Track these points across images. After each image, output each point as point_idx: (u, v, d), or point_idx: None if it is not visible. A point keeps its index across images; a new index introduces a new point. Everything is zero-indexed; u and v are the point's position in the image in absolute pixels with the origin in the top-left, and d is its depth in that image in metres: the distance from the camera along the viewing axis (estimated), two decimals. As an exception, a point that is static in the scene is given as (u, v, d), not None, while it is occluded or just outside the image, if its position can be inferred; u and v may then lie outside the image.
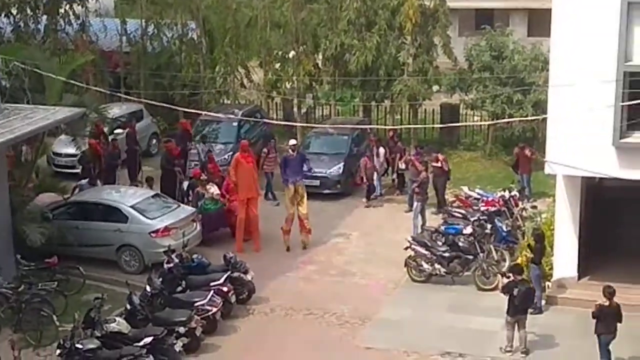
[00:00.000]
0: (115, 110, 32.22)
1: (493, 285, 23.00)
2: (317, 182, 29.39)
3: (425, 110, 34.97)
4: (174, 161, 29.23)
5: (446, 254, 23.71)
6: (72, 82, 27.01)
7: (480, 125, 32.91)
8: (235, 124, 32.37)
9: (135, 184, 29.95)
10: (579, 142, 21.37)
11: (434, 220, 27.23)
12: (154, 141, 33.44)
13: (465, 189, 27.68)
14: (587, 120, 20.97)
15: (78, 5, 35.80)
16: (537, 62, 31.14)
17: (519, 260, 22.66)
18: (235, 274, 22.70)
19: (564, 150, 21.72)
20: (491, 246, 23.91)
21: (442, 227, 25.09)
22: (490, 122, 31.87)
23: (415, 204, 27.15)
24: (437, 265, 23.66)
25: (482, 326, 21.52)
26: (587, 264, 23.01)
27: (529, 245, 22.98)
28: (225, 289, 22.04)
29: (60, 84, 26.41)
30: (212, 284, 21.98)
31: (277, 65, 35.63)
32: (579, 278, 22.90)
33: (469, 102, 33.37)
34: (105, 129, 30.98)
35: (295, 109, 35.89)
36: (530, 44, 33.63)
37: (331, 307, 22.84)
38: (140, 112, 33.48)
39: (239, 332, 21.80)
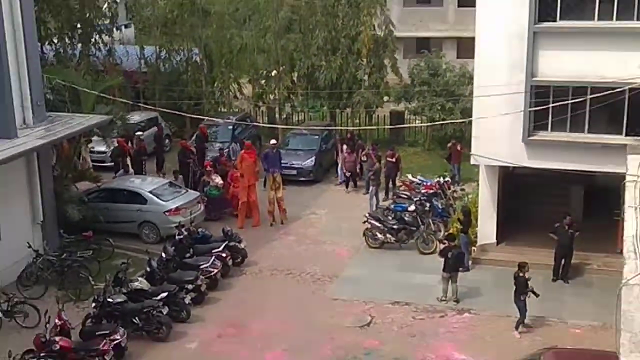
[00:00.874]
0: (136, 117, 32.23)
1: (431, 250, 23.23)
2: (294, 172, 29.48)
3: (378, 116, 35.06)
4: (189, 156, 29.11)
5: (395, 226, 23.92)
6: (103, 95, 26.88)
7: (421, 126, 33.00)
8: (230, 127, 32.49)
9: (160, 174, 29.85)
10: (496, 139, 21.59)
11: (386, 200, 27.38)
12: (167, 140, 33.26)
13: (410, 176, 27.79)
14: (502, 123, 21.13)
15: (106, 35, 35.64)
16: (464, 78, 31.24)
17: (451, 231, 22.85)
18: (232, 243, 22.92)
19: (485, 146, 21.91)
20: (430, 220, 24.13)
21: (392, 206, 25.36)
22: (428, 125, 31.98)
23: (371, 188, 27.38)
24: (388, 235, 23.85)
25: (423, 281, 21.69)
26: (503, 232, 23.28)
27: (458, 219, 23.26)
28: (224, 254, 22.27)
29: (93, 97, 26.29)
30: (213, 251, 22.18)
31: (263, 82, 35.62)
32: (497, 243, 23.18)
33: (412, 109, 33.39)
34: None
35: (277, 115, 35.91)
36: (459, 64, 33.61)
37: (306, 268, 22.99)
38: (156, 119, 33.43)
39: (235, 288, 21.94)
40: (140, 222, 24.84)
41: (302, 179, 29.71)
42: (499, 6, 20.82)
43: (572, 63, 20.45)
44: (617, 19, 20.10)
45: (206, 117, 31.92)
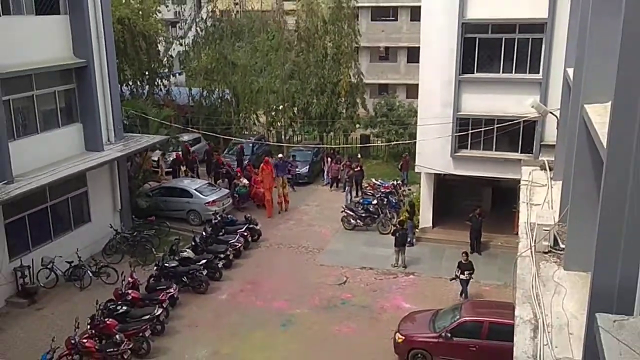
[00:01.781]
0: (185, 137, 32.02)
1: (388, 232, 23.12)
2: (290, 176, 29.31)
3: (352, 137, 35.05)
4: (222, 166, 28.73)
5: (363, 215, 23.90)
6: (163, 122, 26.79)
7: (381, 145, 33.00)
8: (250, 145, 32.33)
9: (210, 177, 29.23)
10: (433, 155, 21.63)
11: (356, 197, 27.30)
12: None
13: (373, 179, 27.72)
14: (437, 143, 21.19)
15: (165, 79, 35.55)
16: (411, 112, 31.10)
17: (402, 218, 22.87)
18: (251, 226, 22.82)
19: (425, 159, 21.98)
20: (387, 210, 24.06)
21: (361, 200, 25.25)
22: (386, 144, 31.98)
23: (346, 188, 27.27)
24: (358, 221, 23.83)
25: (382, 253, 21.63)
26: (437, 219, 23.24)
27: (407, 210, 23.32)
28: (245, 233, 22.25)
29: (157, 123, 26.24)
30: (238, 231, 22.15)
31: (273, 113, 35.49)
32: (433, 227, 23.15)
33: (375, 133, 33.29)
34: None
35: (283, 136, 35.86)
36: (408, 102, 33.62)
37: (302, 243, 22.91)
38: (199, 138, 33.28)
39: (252, 257, 21.87)
40: (188, 210, 24.64)
41: (300, 181, 29.65)
42: (435, 62, 20.86)
43: (484, 102, 20.51)
44: (515, 72, 20.26)
45: (234, 138, 31.86)
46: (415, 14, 37.78)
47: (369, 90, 40.47)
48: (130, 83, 33.06)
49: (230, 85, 35.17)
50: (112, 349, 14.62)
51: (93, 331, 15.21)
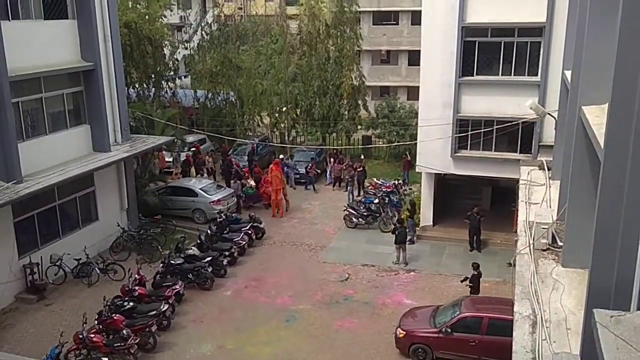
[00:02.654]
0: (190, 138, 31.98)
1: (389, 230, 23.08)
2: (297, 176, 29.27)
3: (354, 138, 35.09)
4: (231, 166, 28.55)
5: (365, 213, 23.91)
6: (169, 123, 26.82)
7: (382, 146, 33.03)
8: (255, 145, 32.34)
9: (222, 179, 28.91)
10: (433, 155, 21.64)
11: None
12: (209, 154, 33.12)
13: (375, 179, 27.74)
14: (437, 144, 21.21)
15: (171, 82, 35.60)
16: (412, 113, 31.16)
17: (402, 216, 22.85)
18: (255, 224, 22.80)
19: (426, 160, 21.98)
20: (388, 209, 24.09)
21: (363, 199, 25.27)
22: (387, 145, 32.01)
23: (349, 187, 27.26)
24: (360, 219, 23.85)
25: (383, 251, 21.65)
26: (437, 218, 23.25)
27: (407, 208, 23.28)
28: (249, 231, 22.23)
29: (162, 124, 26.24)
30: (243, 229, 22.10)
31: (277, 115, 35.49)
32: (433, 225, 23.15)
33: (377, 134, 33.34)
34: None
35: (286, 137, 35.88)
36: (409, 104, 33.65)
37: (305, 240, 22.94)
38: (204, 139, 33.27)
39: (257, 254, 21.87)
40: (193, 209, 24.66)
41: (303, 180, 29.66)
42: (435, 65, 20.88)
43: (484, 104, 20.52)
44: (514, 75, 20.26)
45: (238, 139, 31.86)
46: (416, 18, 37.87)
47: (371, 92, 40.51)
48: (137, 86, 33.12)
49: (234, 87, 35.21)
50: (119, 344, 14.66)
51: (100, 326, 15.26)
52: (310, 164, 29.04)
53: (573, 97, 10.45)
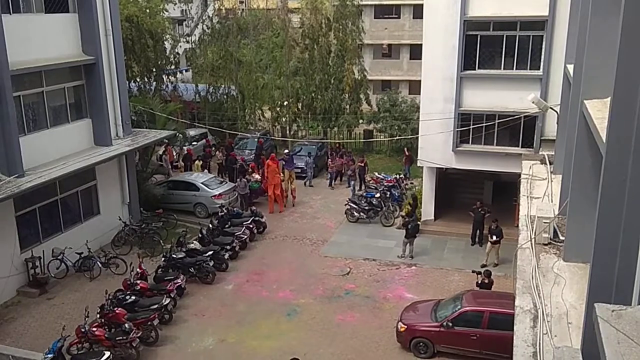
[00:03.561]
0: (192, 132, 32.09)
1: (390, 224, 23.29)
2: (298, 170, 29.09)
3: (356, 133, 35.09)
4: (234, 162, 28.55)
5: (366, 207, 23.90)
6: (170, 117, 26.83)
7: (384, 140, 33.01)
8: (256, 139, 32.23)
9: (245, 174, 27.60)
10: (435, 149, 21.63)
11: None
12: (213, 148, 33.16)
13: (376, 173, 27.76)
14: (439, 138, 21.18)
15: (172, 76, 35.62)
16: (413, 108, 31.15)
17: (404, 211, 22.82)
18: (256, 218, 22.82)
19: (427, 154, 21.94)
20: (389, 203, 24.13)
21: (364, 193, 25.25)
22: (389, 139, 32.01)
23: (351, 182, 27.27)
24: (361, 213, 23.83)
25: (384, 245, 21.74)
26: (439, 212, 23.24)
27: (409, 203, 23.22)
28: (251, 226, 22.24)
29: (163, 118, 26.21)
30: (244, 223, 22.10)
31: (278, 109, 35.53)
32: (435, 220, 23.15)
33: (378, 128, 33.31)
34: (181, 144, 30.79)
35: (287, 132, 35.90)
36: (410, 98, 33.61)
37: (306, 235, 22.94)
38: (206, 133, 33.29)
39: (258, 249, 21.89)
40: (195, 203, 24.65)
41: (304, 175, 29.57)
42: (437, 59, 20.83)
43: (485, 98, 20.47)
44: (516, 69, 20.21)
45: (239, 133, 31.85)
46: (417, 11, 37.75)
47: (372, 86, 40.46)
48: (138, 79, 33.13)
49: (235, 81, 35.18)
50: (121, 337, 14.71)
51: (102, 320, 15.31)
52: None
53: (575, 91, 10.42)
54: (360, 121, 34.56)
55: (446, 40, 20.35)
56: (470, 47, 20.30)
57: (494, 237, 19.36)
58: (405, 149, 29.35)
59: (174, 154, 30.34)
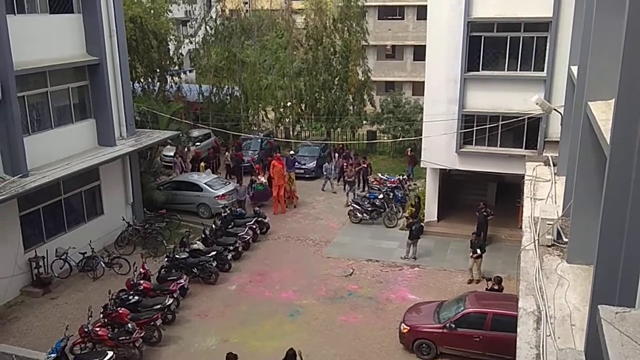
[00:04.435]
0: (195, 133, 32.09)
1: (393, 225, 23.25)
2: (302, 171, 29.23)
3: (359, 133, 35.07)
4: (241, 163, 28.61)
5: (369, 209, 23.86)
6: (173, 117, 26.84)
7: (387, 141, 32.99)
8: (259, 140, 32.26)
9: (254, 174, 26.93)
10: (438, 150, 21.58)
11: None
12: (224, 149, 32.87)
13: (379, 174, 27.73)
14: (442, 139, 21.14)
15: (176, 77, 35.65)
16: (417, 109, 31.07)
17: (407, 213, 22.79)
18: (259, 219, 22.83)
19: (431, 155, 21.90)
20: (392, 204, 24.07)
21: (367, 194, 25.21)
22: (392, 140, 31.97)
23: (351, 187, 27.06)
24: (364, 214, 23.82)
25: (387, 246, 21.72)
26: (442, 213, 23.20)
27: (412, 204, 23.17)
28: (254, 226, 22.26)
29: (167, 119, 26.27)
30: (247, 224, 22.12)
31: (281, 109, 35.58)
32: (438, 221, 23.11)
33: (382, 129, 33.27)
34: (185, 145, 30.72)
35: (291, 132, 35.89)
36: (414, 99, 33.62)
37: (309, 236, 22.94)
38: (209, 134, 33.27)
39: (261, 249, 21.91)
40: (198, 204, 24.67)
41: (307, 175, 29.61)
42: (441, 60, 20.82)
43: (489, 99, 20.42)
44: (520, 70, 20.15)
45: (243, 134, 31.86)
46: (421, 13, 37.79)
47: (376, 87, 40.51)
48: (142, 80, 33.17)
49: (239, 82, 35.23)
50: (124, 337, 14.73)
51: (106, 320, 15.33)
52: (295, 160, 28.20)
53: (579, 93, 10.39)
54: (364, 122, 34.57)
55: (450, 41, 20.32)
56: (474, 49, 20.25)
57: (478, 251, 18.71)
58: (408, 149, 29.33)
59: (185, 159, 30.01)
